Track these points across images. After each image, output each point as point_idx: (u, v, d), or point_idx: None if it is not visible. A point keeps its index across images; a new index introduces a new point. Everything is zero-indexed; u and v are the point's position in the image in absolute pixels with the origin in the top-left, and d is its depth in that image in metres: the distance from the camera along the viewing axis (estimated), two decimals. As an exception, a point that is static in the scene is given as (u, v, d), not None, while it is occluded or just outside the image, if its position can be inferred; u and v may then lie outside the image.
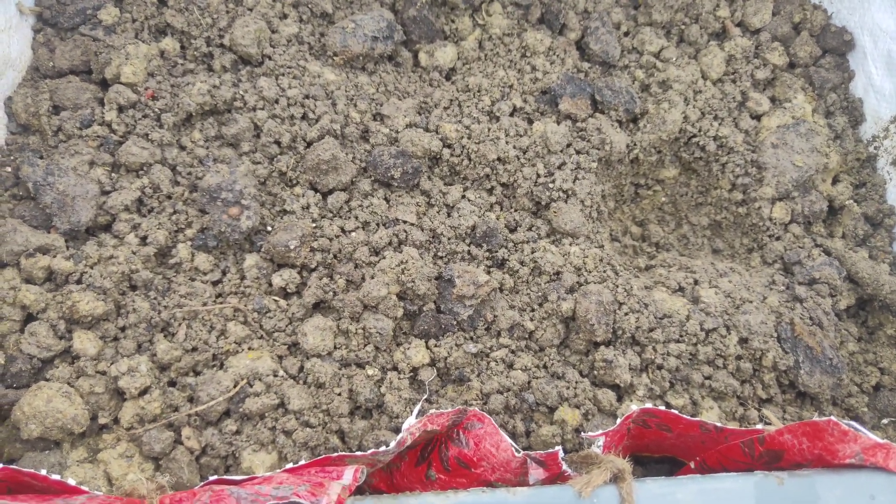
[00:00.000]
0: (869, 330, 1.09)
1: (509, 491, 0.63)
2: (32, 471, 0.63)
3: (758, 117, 1.18)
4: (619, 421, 0.75)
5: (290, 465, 0.71)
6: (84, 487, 0.64)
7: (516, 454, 0.75)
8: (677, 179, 1.21)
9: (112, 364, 0.83)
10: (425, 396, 0.88)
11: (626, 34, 1.22)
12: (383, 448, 0.72)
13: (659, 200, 1.23)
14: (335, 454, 0.71)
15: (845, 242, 1.12)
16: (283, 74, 1.03)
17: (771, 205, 1.12)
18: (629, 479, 0.62)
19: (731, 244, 1.18)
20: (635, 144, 1.13)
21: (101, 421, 0.81)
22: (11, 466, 0.63)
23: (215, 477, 0.69)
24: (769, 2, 1.24)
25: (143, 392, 0.82)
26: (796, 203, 1.12)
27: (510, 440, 0.76)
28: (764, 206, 1.12)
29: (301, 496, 0.58)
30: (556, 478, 0.75)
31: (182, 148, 1.00)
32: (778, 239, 1.12)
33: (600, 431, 0.74)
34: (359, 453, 0.72)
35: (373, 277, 0.93)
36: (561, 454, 0.73)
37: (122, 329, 0.88)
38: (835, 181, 1.17)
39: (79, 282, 0.87)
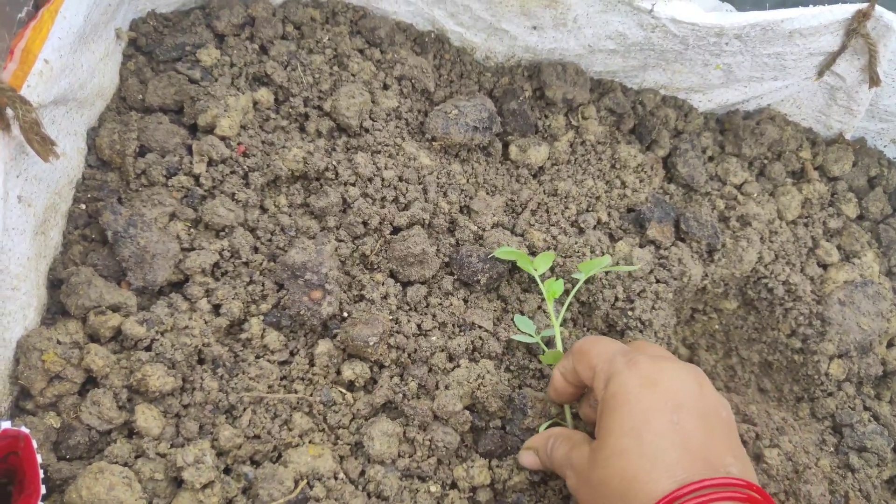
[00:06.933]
0: (899, 498, 1.10)
1: None
2: None
3: (825, 266, 1.19)
4: None
5: None
6: None
7: None
8: (735, 312, 1.20)
9: (175, 449, 0.78)
10: None
11: (711, 159, 1.21)
12: None
13: (712, 327, 1.23)
14: None
15: (892, 408, 1.13)
16: (379, 152, 0.99)
17: (829, 360, 1.12)
18: None
19: (779, 387, 1.18)
20: (707, 276, 1.12)
21: (155, 510, 0.76)
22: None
23: None
24: (850, 152, 1.25)
25: (206, 486, 0.77)
26: (853, 363, 1.12)
27: None
28: (822, 360, 1.12)
29: None
30: None
31: (264, 210, 0.96)
32: (831, 395, 1.12)
33: None
34: None
35: (447, 388, 0.90)
36: None
37: (186, 406, 0.83)
38: (889, 344, 1.18)
39: (148, 349, 0.82)
